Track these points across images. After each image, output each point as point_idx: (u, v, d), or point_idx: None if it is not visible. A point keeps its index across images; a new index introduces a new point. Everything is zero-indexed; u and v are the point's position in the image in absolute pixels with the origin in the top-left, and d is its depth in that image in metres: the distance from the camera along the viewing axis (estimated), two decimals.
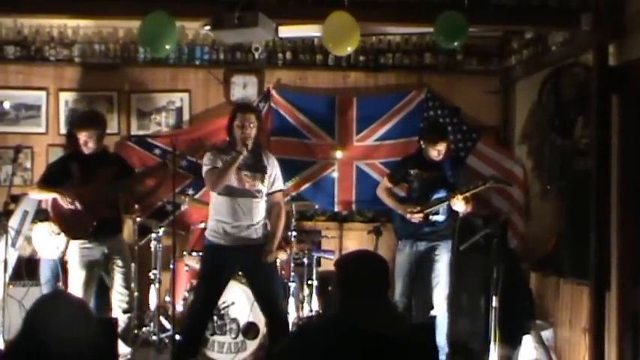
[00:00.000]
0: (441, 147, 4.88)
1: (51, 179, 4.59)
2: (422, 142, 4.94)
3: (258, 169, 4.33)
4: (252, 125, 4.24)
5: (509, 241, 5.72)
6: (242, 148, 4.17)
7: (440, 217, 4.90)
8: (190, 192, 5.85)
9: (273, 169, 4.40)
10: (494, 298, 4.43)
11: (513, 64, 5.97)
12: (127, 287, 4.64)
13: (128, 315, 4.67)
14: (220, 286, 4.41)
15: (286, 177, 5.02)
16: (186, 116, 6.31)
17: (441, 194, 4.85)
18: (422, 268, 4.98)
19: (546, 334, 5.03)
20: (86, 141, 4.55)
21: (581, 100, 4.89)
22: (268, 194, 4.41)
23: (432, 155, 4.88)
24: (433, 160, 4.92)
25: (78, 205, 4.43)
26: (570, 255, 4.88)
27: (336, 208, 6.25)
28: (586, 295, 4.65)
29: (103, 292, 4.86)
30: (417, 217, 4.84)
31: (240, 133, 4.23)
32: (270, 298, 4.39)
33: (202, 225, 5.09)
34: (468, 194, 4.74)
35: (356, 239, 6.17)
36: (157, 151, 6.03)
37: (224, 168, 4.25)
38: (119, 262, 4.61)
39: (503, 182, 5.05)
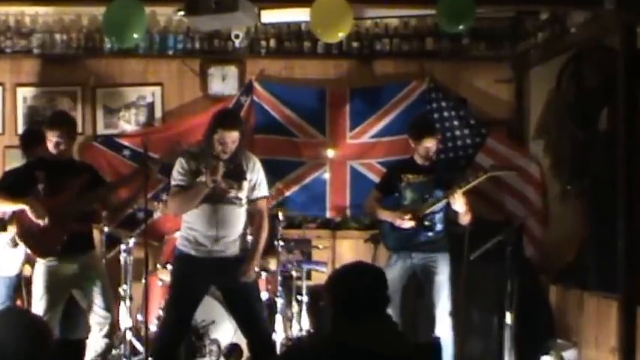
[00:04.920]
0: (430, 143, 4.87)
1: (15, 188, 4.41)
2: (410, 141, 4.97)
3: (236, 175, 4.25)
4: (234, 142, 4.17)
5: (525, 249, 5.63)
6: (210, 182, 4.08)
7: (437, 226, 4.87)
8: (164, 197, 5.59)
9: (255, 173, 4.32)
10: (508, 314, 4.41)
11: (527, 48, 5.90)
12: (108, 309, 4.55)
13: (106, 341, 4.58)
14: (192, 302, 4.32)
15: (271, 179, 4.90)
16: (158, 113, 6.24)
17: (438, 194, 4.85)
18: (419, 283, 4.96)
19: (568, 354, 5.01)
20: (58, 142, 4.44)
21: (606, 88, 4.82)
22: (250, 201, 4.32)
23: (421, 154, 4.89)
24: (425, 163, 4.93)
25: (47, 220, 4.33)
26: (595, 264, 4.82)
27: (328, 214, 6.20)
28: (614, 310, 4.57)
29: (75, 314, 4.76)
30: (408, 223, 4.78)
31: (220, 149, 4.16)
32: (249, 317, 4.29)
33: (177, 234, 5.00)
34: (467, 187, 4.73)
35: (351, 249, 6.11)
36: (127, 153, 5.97)
37: (189, 196, 4.18)
38: (95, 282, 4.51)
39: (504, 169, 5.10)
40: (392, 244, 4.97)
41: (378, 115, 6.07)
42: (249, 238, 4.42)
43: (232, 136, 4.15)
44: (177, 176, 4.24)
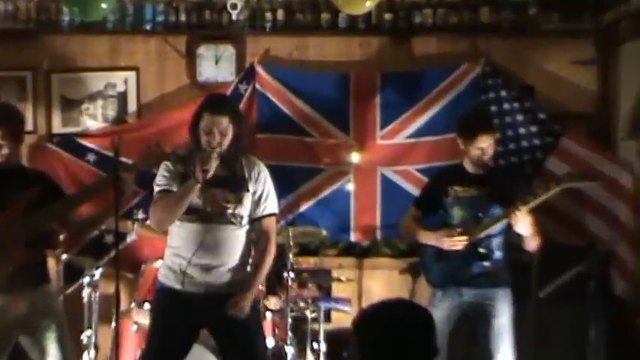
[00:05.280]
0: (485, 143, 4.77)
1: None
2: (459, 141, 4.92)
3: (234, 184, 4.22)
4: (223, 132, 4.16)
5: (614, 283, 5.61)
6: (200, 175, 4.05)
7: (494, 254, 4.79)
8: (140, 216, 5.84)
9: (260, 183, 4.29)
10: None
11: (616, 19, 5.86)
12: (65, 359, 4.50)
13: None
14: (177, 350, 4.26)
15: (279, 192, 4.74)
16: (132, 105, 6.26)
17: (496, 212, 4.77)
18: (472, 327, 4.90)
19: None
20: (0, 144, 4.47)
21: None
22: (253, 220, 4.27)
23: (474, 158, 4.82)
24: (479, 171, 4.87)
25: None
26: None
27: (353, 237, 6.19)
28: None
29: None
30: (459, 244, 4.72)
31: (206, 140, 4.14)
32: None
33: (159, 264, 4.93)
34: (535, 203, 4.62)
35: (383, 282, 6.12)
36: (92, 157, 6.01)
37: (174, 199, 4.16)
38: (50, 325, 4.42)
39: (584, 180, 4.95)
40: (436, 276, 4.90)
41: (417, 108, 6.04)
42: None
43: (220, 123, 4.13)
44: (161, 181, 4.21)
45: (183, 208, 4.12)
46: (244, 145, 4.38)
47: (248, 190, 4.23)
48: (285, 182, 5.66)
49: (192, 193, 4.10)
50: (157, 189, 4.25)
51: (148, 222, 5.48)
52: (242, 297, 4.17)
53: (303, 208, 6.06)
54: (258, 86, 6.05)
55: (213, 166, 4.05)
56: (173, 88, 6.21)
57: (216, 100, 4.43)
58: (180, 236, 4.20)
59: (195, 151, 4.18)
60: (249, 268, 4.34)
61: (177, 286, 4.18)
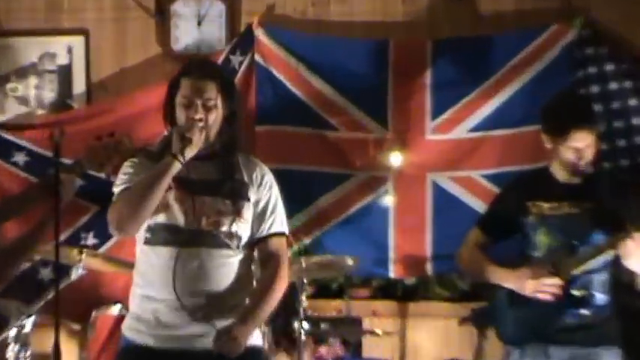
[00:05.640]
0: (581, 142, 4.68)
1: None
2: (544, 137, 4.84)
3: (229, 190, 4.10)
4: (209, 104, 4.08)
5: None
6: (179, 146, 3.97)
7: (596, 299, 4.70)
8: (91, 241, 5.96)
9: (265, 190, 4.18)
10: None
11: None
12: None
13: None
14: None
15: (287, 208, 4.52)
16: (80, 85, 6.37)
17: (598, 239, 4.65)
18: None
19: None
20: None
21: None
22: (257, 240, 4.14)
23: (566, 162, 4.75)
24: (573, 179, 4.78)
25: None
26: None
27: (393, 272, 6.23)
28: None
29: None
30: (549, 290, 4.60)
31: (184, 118, 4.07)
32: None
33: (117, 309, 5.35)
34: None
35: (436, 336, 6.18)
36: (22, 158, 6.13)
37: (139, 189, 4.01)
38: None
39: None
40: (511, 329, 4.80)
41: (484, 89, 6.10)
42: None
43: (204, 91, 4.08)
44: (123, 179, 4.10)
45: (155, 200, 3.98)
46: (240, 129, 4.26)
47: (249, 199, 4.10)
48: (296, 194, 5.60)
49: (169, 175, 3.97)
50: (117, 190, 4.11)
51: (101, 250, 5.87)
52: (239, 329, 3.99)
53: (322, 230, 6.13)
54: (258, 58, 6.14)
55: (198, 137, 3.99)
56: (138, 60, 6.33)
57: (198, 62, 4.45)
58: (151, 267, 4.05)
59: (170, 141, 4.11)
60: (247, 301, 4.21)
61: (149, 343, 4.01)
